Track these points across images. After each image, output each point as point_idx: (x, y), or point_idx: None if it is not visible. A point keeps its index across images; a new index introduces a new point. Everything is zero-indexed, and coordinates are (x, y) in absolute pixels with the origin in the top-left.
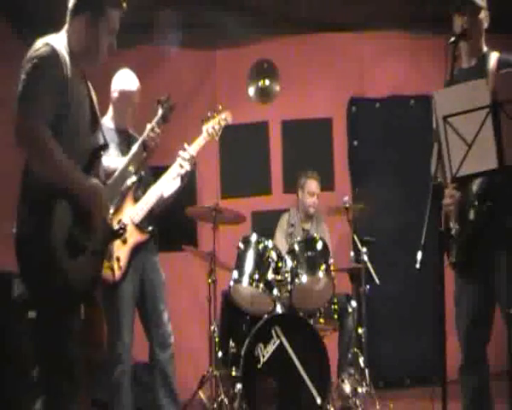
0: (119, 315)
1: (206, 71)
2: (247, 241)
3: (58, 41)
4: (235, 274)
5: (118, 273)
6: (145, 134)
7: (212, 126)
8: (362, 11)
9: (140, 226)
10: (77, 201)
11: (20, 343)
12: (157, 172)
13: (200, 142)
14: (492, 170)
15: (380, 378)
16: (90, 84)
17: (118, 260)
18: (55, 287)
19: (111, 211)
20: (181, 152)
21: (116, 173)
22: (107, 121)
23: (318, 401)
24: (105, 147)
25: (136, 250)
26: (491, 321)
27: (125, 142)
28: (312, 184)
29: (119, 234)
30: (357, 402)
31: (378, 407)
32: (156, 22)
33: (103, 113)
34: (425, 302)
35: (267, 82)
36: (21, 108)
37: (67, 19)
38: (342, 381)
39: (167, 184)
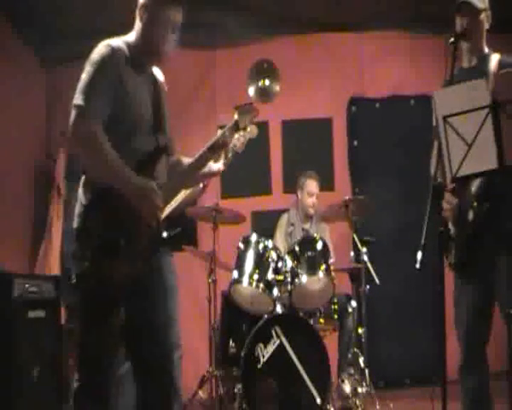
0: None
1: (206, 71)
2: (247, 241)
3: (122, 42)
4: (235, 274)
5: None
6: (214, 139)
7: (236, 138)
8: (362, 11)
9: None
10: (127, 200)
11: (20, 343)
12: None
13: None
14: (492, 170)
15: (380, 378)
16: (161, 84)
17: None
18: (94, 285)
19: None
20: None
21: (175, 176)
22: None
23: (318, 401)
24: (164, 149)
25: None
26: (491, 321)
27: None
28: (312, 185)
29: (167, 242)
30: (357, 402)
31: (378, 407)
32: None
33: None
34: (425, 302)
35: (267, 82)
36: (77, 107)
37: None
38: (342, 381)
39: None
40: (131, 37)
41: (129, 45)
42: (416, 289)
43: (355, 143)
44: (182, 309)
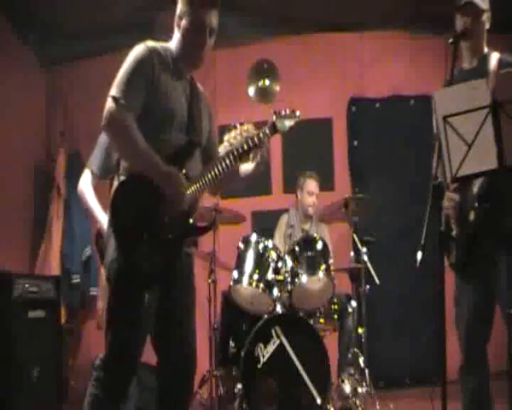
0: None
1: (206, 71)
2: (247, 241)
3: (161, 47)
4: (235, 274)
5: None
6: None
7: (233, 137)
8: (362, 11)
9: None
10: (156, 186)
11: (20, 343)
12: None
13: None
14: (492, 170)
15: (380, 378)
16: (202, 93)
17: None
18: (122, 267)
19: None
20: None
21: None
22: None
23: (318, 401)
24: (197, 144)
25: None
26: (492, 321)
27: None
28: (311, 184)
29: (200, 232)
30: (357, 402)
31: (378, 407)
32: (156, 22)
33: None
34: (425, 302)
35: (267, 82)
36: (111, 97)
37: None
38: (342, 381)
39: None
40: (171, 44)
41: (167, 51)
42: (416, 289)
43: (355, 143)
44: None
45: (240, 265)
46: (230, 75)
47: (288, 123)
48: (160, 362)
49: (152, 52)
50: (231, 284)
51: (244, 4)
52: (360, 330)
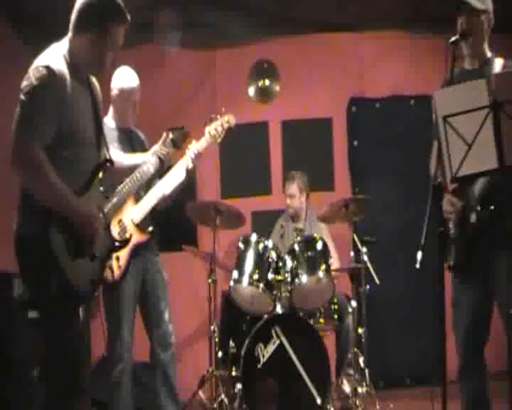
0: (119, 314)
1: (206, 71)
2: (247, 241)
3: (58, 54)
4: (235, 274)
5: (117, 273)
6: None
7: (214, 128)
8: (362, 11)
9: (140, 227)
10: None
11: (20, 343)
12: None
13: (201, 143)
14: (492, 170)
15: (380, 378)
16: (95, 86)
17: (117, 259)
18: (55, 286)
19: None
20: (188, 150)
21: (122, 188)
22: (109, 121)
23: (318, 401)
24: (108, 163)
25: (136, 250)
26: (490, 323)
27: (128, 140)
28: (287, 186)
29: (119, 247)
30: (357, 402)
31: (378, 407)
32: (156, 22)
33: (103, 116)
34: (425, 302)
35: (267, 82)
36: (18, 130)
37: (71, 30)
38: (342, 381)
39: (169, 183)
40: (68, 47)
41: (66, 56)
42: (416, 290)
43: (355, 143)
44: (182, 309)
45: (240, 265)
46: (230, 75)
47: (181, 140)
48: None
49: (54, 72)
50: (231, 283)
51: (244, 4)
52: (360, 331)
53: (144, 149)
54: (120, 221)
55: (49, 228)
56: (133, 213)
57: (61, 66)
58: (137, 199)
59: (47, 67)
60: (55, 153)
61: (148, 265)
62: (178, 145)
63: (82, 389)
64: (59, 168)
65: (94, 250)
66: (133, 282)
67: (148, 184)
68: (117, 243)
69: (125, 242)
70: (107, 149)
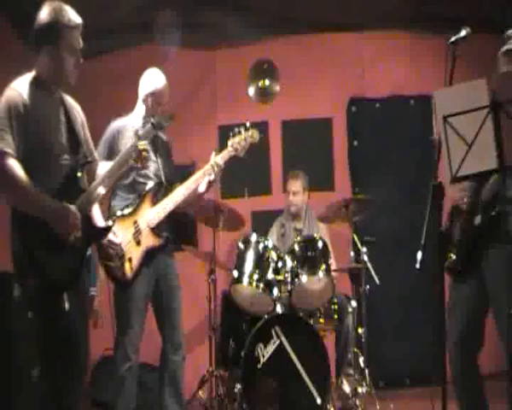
0: (129, 314)
1: (206, 71)
2: (247, 241)
3: (25, 79)
4: (235, 274)
5: (129, 274)
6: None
7: (237, 142)
8: (362, 11)
9: (155, 231)
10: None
11: (20, 343)
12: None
13: (224, 156)
14: (492, 170)
15: (380, 378)
16: (72, 105)
17: (130, 260)
18: (32, 278)
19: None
20: (212, 162)
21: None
22: (137, 121)
23: (318, 401)
24: (81, 166)
25: (150, 254)
26: (483, 328)
27: (156, 141)
28: (291, 183)
29: (102, 234)
30: (357, 402)
31: (378, 407)
32: (156, 22)
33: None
34: (425, 302)
35: (267, 82)
36: None
37: (35, 51)
38: (342, 381)
39: (188, 191)
40: (36, 64)
41: (34, 77)
42: (415, 290)
43: (355, 143)
44: (182, 309)
45: (240, 265)
46: (230, 75)
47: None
48: None
49: (18, 92)
50: (231, 283)
51: (244, 4)
52: (360, 331)
53: (167, 150)
54: (135, 222)
55: (26, 227)
56: (149, 217)
57: (26, 84)
58: (155, 203)
59: (13, 89)
60: (27, 162)
61: (163, 266)
62: (160, 127)
63: (82, 372)
64: (31, 175)
65: (72, 241)
66: (145, 284)
67: (166, 189)
68: (98, 230)
69: (106, 229)
70: (91, 153)
